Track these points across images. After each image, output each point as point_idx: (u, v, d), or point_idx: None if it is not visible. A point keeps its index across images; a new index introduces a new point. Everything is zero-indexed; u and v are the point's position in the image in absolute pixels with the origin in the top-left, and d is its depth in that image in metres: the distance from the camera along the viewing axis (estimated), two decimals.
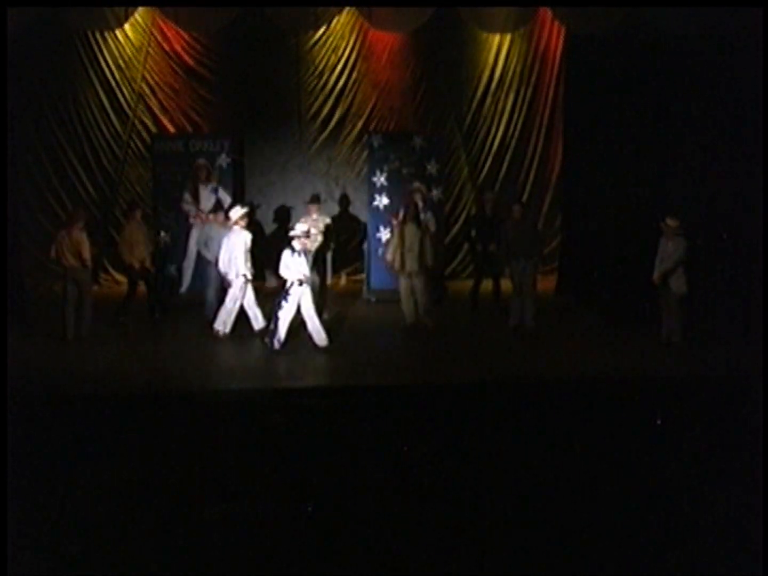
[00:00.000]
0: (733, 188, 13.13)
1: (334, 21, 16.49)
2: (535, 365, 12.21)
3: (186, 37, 16.92)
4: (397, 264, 13.52)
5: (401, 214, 13.98)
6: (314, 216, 14.50)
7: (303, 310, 12.38)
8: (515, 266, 13.58)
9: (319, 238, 14.19)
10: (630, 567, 6.34)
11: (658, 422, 8.96)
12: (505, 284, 14.55)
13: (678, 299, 12.76)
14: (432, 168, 16.38)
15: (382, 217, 16.33)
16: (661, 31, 13.03)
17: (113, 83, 17.07)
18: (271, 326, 12.46)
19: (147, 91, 17.26)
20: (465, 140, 18.11)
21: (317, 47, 17.43)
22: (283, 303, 12.34)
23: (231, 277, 13.05)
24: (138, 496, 7.40)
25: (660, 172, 13.96)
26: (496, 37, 17.40)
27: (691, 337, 12.80)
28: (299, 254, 12.37)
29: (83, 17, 13.63)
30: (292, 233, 12.61)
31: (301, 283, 12.31)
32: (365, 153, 17.23)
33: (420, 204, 15.35)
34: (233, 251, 13.03)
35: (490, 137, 18.11)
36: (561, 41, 17.22)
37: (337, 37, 17.39)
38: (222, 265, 13.11)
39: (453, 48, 17.56)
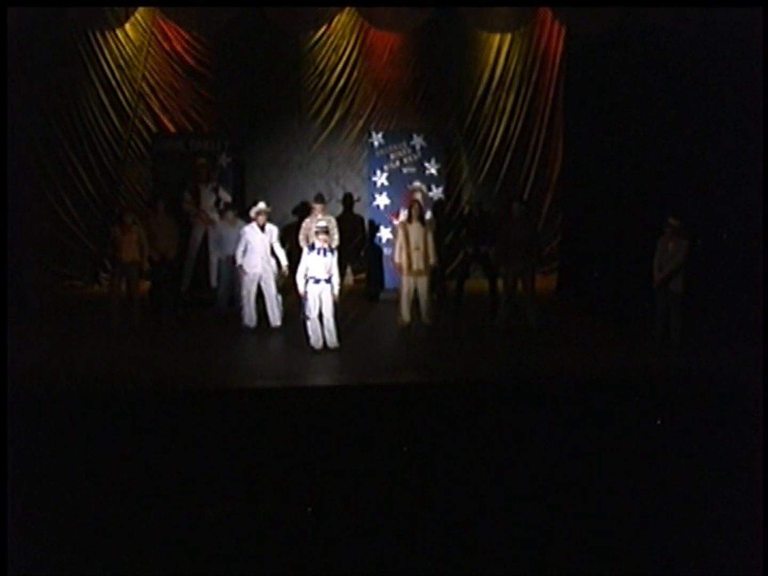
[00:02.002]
0: (733, 188, 13.14)
1: (335, 21, 16.49)
2: (535, 365, 12.21)
3: (187, 36, 16.90)
4: (405, 264, 13.53)
5: (404, 214, 13.97)
6: (319, 216, 14.50)
7: (323, 309, 12.43)
8: (512, 266, 13.57)
9: (336, 236, 14.28)
10: (629, 566, 6.34)
11: (658, 422, 8.96)
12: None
13: (677, 299, 12.79)
14: (432, 168, 16.43)
15: (383, 216, 16.36)
16: (661, 31, 13.03)
17: (114, 83, 17.04)
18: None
19: (147, 90, 17.24)
20: (465, 140, 18.10)
21: (318, 47, 17.41)
22: (304, 303, 12.48)
23: (247, 270, 13.37)
24: (145, 494, 7.41)
25: (660, 171, 13.96)
26: (497, 37, 17.38)
27: (691, 337, 12.82)
28: (321, 252, 12.41)
29: (84, 17, 13.62)
30: (315, 230, 12.75)
31: (317, 281, 12.37)
32: (365, 152, 17.24)
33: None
34: (251, 246, 13.38)
35: (491, 137, 18.08)
36: (561, 41, 17.20)
37: (338, 36, 17.37)
38: (238, 260, 13.42)
39: (453, 47, 17.53)
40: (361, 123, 17.82)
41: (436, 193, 16.39)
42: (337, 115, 17.79)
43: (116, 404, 10.26)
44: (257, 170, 17.47)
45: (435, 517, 6.97)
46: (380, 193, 16.46)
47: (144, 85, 17.21)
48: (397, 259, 13.59)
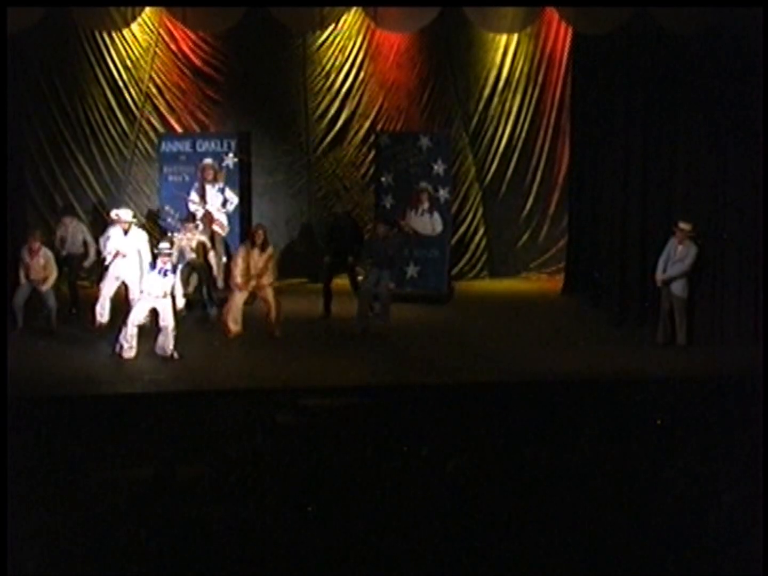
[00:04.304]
0: (739, 188, 13.13)
1: (341, 21, 16.46)
2: (539, 366, 12.22)
3: (193, 37, 16.91)
4: (241, 282, 13.61)
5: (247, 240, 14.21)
6: (189, 235, 14.56)
7: (161, 321, 12.63)
8: (373, 273, 14.11)
9: (192, 254, 14.45)
10: (631, 567, 6.33)
11: (658, 422, 8.95)
12: None
13: (681, 302, 12.81)
14: (439, 168, 16.33)
15: (389, 217, 16.34)
16: (668, 31, 13.01)
17: (121, 83, 17.04)
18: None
19: (154, 91, 17.25)
20: (472, 140, 18.09)
21: (324, 47, 17.41)
22: (133, 310, 12.72)
23: None
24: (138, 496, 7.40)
25: (666, 172, 13.95)
26: (503, 37, 17.36)
27: (696, 338, 12.83)
28: (162, 273, 12.62)
29: (90, 17, 13.62)
30: (156, 251, 12.97)
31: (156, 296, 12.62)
32: (372, 153, 17.25)
33: (426, 204, 15.51)
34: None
35: (497, 137, 18.07)
36: (568, 41, 17.20)
37: (344, 37, 17.37)
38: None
39: (460, 48, 17.56)
40: (367, 124, 17.82)
41: (443, 193, 16.32)
42: (343, 116, 17.79)
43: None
44: (264, 171, 17.47)
45: (434, 520, 6.95)
46: (386, 194, 16.44)
47: (151, 85, 17.22)
48: (238, 280, 13.61)
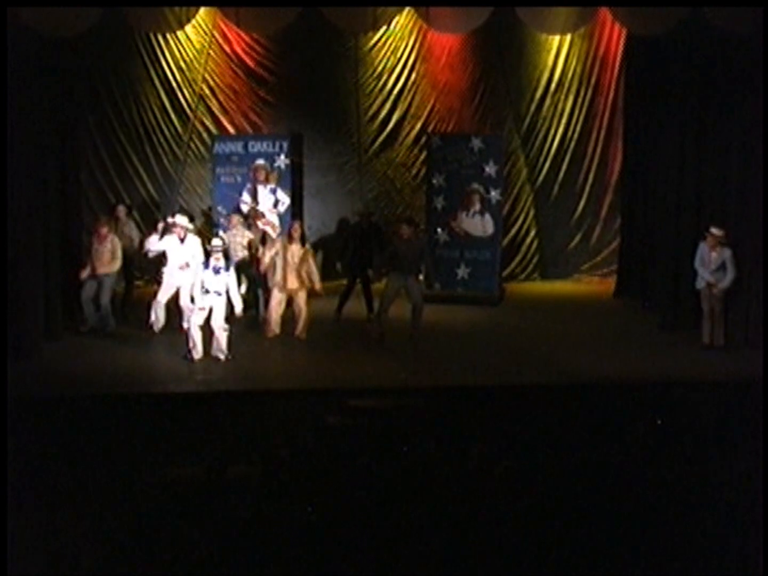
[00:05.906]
0: None
1: (394, 22, 16.49)
2: (590, 368, 12.18)
3: (246, 38, 17.01)
4: (280, 282, 13.56)
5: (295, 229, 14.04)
6: (234, 231, 14.64)
7: (212, 321, 12.67)
8: (398, 276, 13.63)
9: (240, 251, 14.51)
10: (642, 568, 6.32)
11: (658, 422, 8.89)
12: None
13: (721, 304, 12.79)
14: (490, 169, 16.30)
15: (441, 218, 16.34)
16: (723, 32, 12.88)
17: (174, 84, 17.18)
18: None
19: (207, 92, 17.37)
20: (524, 142, 18.04)
21: (376, 48, 17.44)
22: (192, 314, 12.73)
23: None
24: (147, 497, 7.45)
25: (721, 174, 13.82)
26: (556, 38, 17.29)
27: (750, 340, 12.74)
28: (215, 270, 12.64)
29: (145, 19, 13.73)
30: (209, 248, 12.99)
31: (207, 292, 12.60)
32: (423, 154, 17.25)
33: (478, 206, 15.48)
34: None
35: (549, 139, 18.01)
36: (621, 42, 17.10)
37: (397, 38, 17.39)
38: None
39: (512, 49, 17.52)
40: (419, 125, 17.84)
41: (495, 194, 16.29)
42: (395, 117, 17.82)
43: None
44: (315, 172, 17.54)
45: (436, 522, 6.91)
46: (438, 195, 16.44)
47: (204, 86, 17.34)
48: (278, 277, 13.58)
